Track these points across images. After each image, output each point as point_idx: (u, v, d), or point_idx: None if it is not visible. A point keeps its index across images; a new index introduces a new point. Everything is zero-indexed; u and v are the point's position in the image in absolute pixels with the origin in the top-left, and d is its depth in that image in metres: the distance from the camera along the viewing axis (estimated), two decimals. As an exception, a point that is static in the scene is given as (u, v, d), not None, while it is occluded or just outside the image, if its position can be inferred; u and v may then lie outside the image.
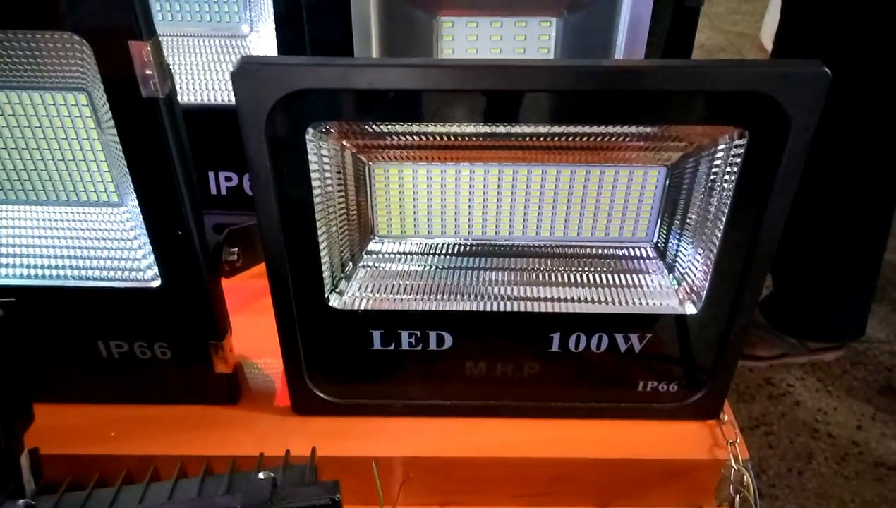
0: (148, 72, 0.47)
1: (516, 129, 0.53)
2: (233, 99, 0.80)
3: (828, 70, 0.47)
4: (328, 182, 0.55)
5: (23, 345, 0.52)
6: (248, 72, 0.47)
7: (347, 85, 0.48)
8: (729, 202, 0.54)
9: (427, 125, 0.52)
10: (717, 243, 0.56)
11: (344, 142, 0.55)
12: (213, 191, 0.85)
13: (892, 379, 1.80)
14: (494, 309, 0.61)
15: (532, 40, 0.77)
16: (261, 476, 0.41)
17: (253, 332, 0.66)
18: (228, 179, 0.85)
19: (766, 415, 1.70)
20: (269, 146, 0.50)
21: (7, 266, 0.59)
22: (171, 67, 0.50)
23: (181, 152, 0.53)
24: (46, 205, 0.60)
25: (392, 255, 0.62)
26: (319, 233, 0.56)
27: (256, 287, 0.63)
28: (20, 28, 0.46)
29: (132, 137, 0.51)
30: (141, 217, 0.56)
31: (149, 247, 0.58)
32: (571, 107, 0.51)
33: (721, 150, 0.53)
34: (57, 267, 0.59)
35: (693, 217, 0.58)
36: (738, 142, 0.52)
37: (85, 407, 0.66)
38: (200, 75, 0.82)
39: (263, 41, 0.81)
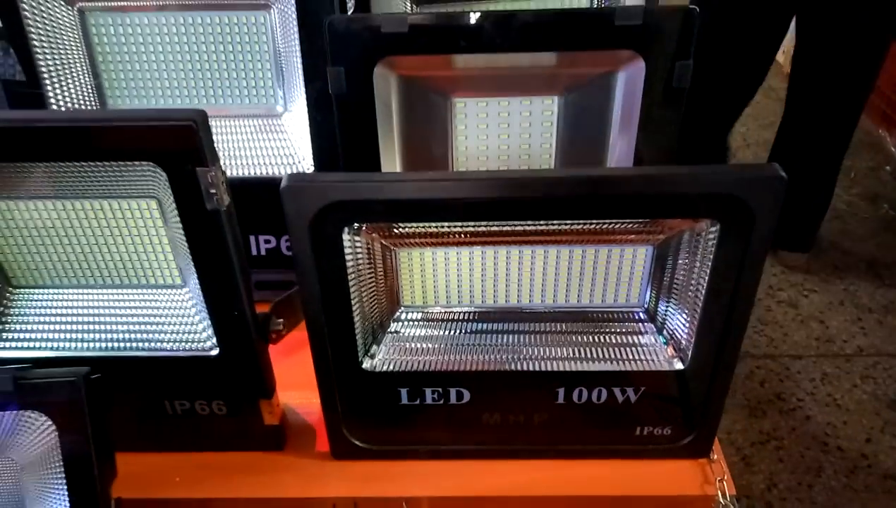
0: (212, 190, 0.57)
1: (522, 226, 0.62)
2: (269, 171, 0.91)
3: (784, 174, 0.56)
4: (360, 267, 0.64)
5: (106, 407, 0.62)
6: (293, 188, 0.57)
7: (374, 196, 0.58)
8: (707, 276, 0.63)
9: (444, 225, 0.61)
10: (700, 309, 0.65)
11: (374, 235, 0.64)
12: (255, 252, 0.95)
13: (901, 392, 1.86)
14: (506, 368, 0.70)
15: (536, 117, 0.86)
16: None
17: (296, 383, 0.76)
18: (267, 242, 0.95)
19: (777, 430, 1.77)
20: (311, 243, 0.60)
21: (89, 340, 0.69)
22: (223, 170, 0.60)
23: (237, 247, 0.63)
24: (121, 288, 0.70)
25: (416, 323, 0.71)
26: (354, 308, 0.65)
27: (299, 343, 0.72)
28: (109, 160, 0.56)
29: (197, 238, 0.61)
30: (202, 297, 0.66)
31: (208, 322, 0.68)
32: (568, 208, 0.60)
33: (699, 236, 0.62)
34: (130, 340, 0.69)
35: (678, 287, 0.67)
36: (712, 230, 0.60)
37: (153, 455, 0.76)
38: (241, 151, 0.92)
39: (296, 120, 0.91)
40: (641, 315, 0.70)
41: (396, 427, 0.74)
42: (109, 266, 0.68)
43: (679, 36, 0.76)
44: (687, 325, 0.67)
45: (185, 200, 0.58)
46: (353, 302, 0.65)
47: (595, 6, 0.94)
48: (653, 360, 0.69)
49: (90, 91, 0.87)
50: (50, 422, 0.55)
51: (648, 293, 0.69)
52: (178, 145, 0.55)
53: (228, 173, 0.93)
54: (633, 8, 0.75)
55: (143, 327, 0.69)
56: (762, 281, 2.20)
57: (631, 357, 0.70)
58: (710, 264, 0.62)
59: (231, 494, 0.73)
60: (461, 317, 0.71)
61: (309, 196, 0.57)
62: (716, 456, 0.75)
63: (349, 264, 0.63)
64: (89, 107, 0.87)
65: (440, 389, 0.70)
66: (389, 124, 0.84)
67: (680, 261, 0.65)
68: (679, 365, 0.69)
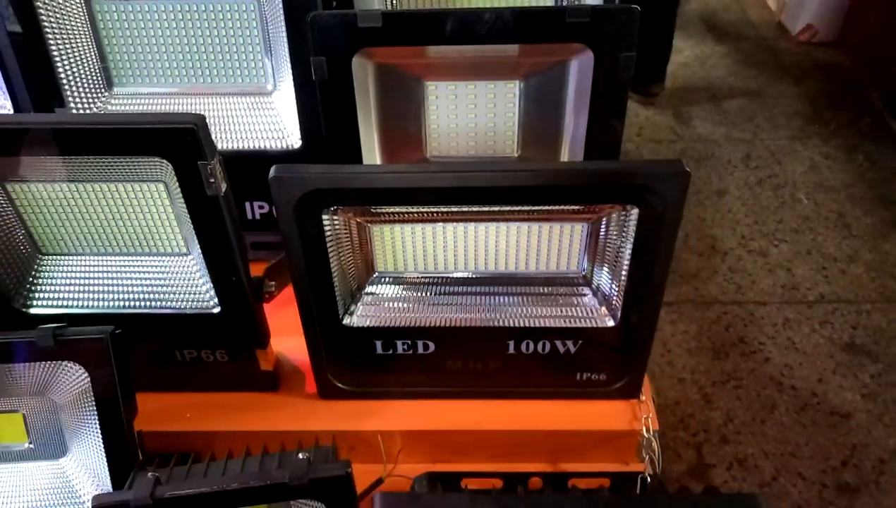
0: (211, 180, 0.68)
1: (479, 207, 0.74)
2: (261, 144, 1.02)
3: (688, 169, 0.67)
4: (339, 241, 0.76)
5: (128, 357, 0.75)
6: (280, 179, 0.68)
7: (349, 186, 0.69)
8: (631, 249, 0.75)
9: (411, 206, 0.73)
10: (626, 275, 0.77)
11: (350, 214, 0.76)
12: (249, 216, 1.07)
13: (855, 336, 2.00)
14: (465, 324, 0.82)
15: (500, 99, 0.96)
16: (300, 455, 0.64)
17: (289, 331, 0.88)
18: (261, 207, 1.06)
19: (737, 371, 1.92)
20: (295, 223, 0.71)
21: (110, 300, 0.81)
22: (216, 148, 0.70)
23: (234, 224, 0.74)
24: (136, 255, 0.82)
25: (388, 286, 0.84)
26: (334, 275, 0.77)
27: (291, 298, 0.84)
28: (127, 155, 0.68)
29: (199, 217, 0.73)
30: (204, 264, 0.78)
31: (210, 285, 0.80)
32: (517, 196, 0.71)
33: (624, 217, 0.73)
34: (145, 299, 0.82)
35: (609, 257, 0.79)
36: (633, 212, 0.72)
37: (168, 395, 0.90)
38: (236, 126, 1.02)
39: (285, 98, 1.01)
40: (579, 279, 0.83)
41: (373, 373, 0.87)
42: (126, 237, 0.80)
43: (623, 31, 0.85)
44: (616, 288, 0.80)
45: (189, 188, 0.70)
46: (332, 270, 0.77)
47: (553, 4, 1.03)
48: (589, 318, 0.82)
49: (98, 74, 0.97)
50: (83, 370, 0.68)
51: (585, 262, 0.81)
52: (182, 144, 0.66)
53: (225, 146, 1.04)
54: (583, 6, 0.84)
55: (155, 288, 0.82)
56: (734, 232, 2.32)
57: (570, 314, 0.82)
58: (632, 239, 0.73)
59: (232, 427, 0.87)
60: (427, 281, 0.84)
61: (293, 185, 0.68)
62: (644, 398, 0.88)
63: (329, 240, 0.74)
64: (99, 90, 0.97)
65: (409, 341, 0.83)
66: (368, 107, 0.94)
67: (609, 237, 0.77)
68: (610, 322, 0.81)
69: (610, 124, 0.92)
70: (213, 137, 1.01)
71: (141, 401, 0.79)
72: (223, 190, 0.69)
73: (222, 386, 0.90)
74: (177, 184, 0.70)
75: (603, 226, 0.77)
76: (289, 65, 0.96)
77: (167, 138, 0.66)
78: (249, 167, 1.03)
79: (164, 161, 0.68)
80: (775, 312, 2.07)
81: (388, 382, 0.88)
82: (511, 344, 0.83)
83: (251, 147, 1.02)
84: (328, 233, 0.74)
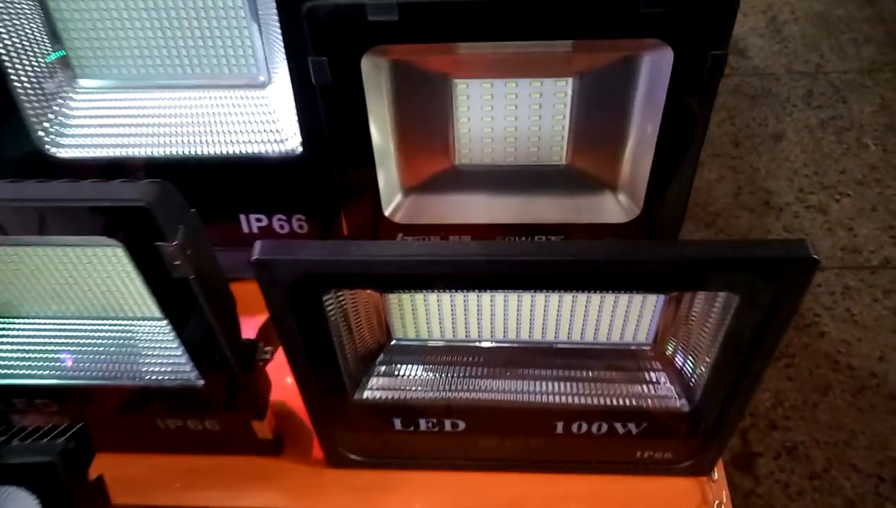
0: (176, 262, 0.51)
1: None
2: (254, 149, 0.84)
3: (815, 256, 0.49)
4: (346, 316, 0.60)
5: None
6: (266, 264, 0.51)
7: (353, 270, 0.52)
8: (723, 337, 0.57)
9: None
10: (711, 361, 0.60)
11: (356, 290, 0.59)
12: (246, 229, 0.90)
13: (922, 308, 1.81)
14: (502, 402, 0.67)
15: (548, 99, 0.76)
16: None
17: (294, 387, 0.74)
18: (259, 220, 0.89)
19: (790, 346, 1.76)
20: (290, 308, 0.55)
21: (73, 370, 0.67)
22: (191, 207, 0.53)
23: (213, 299, 0.58)
24: (101, 319, 0.67)
25: (408, 356, 0.68)
26: (339, 354, 0.62)
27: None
28: (73, 234, 0.51)
29: (167, 299, 0.57)
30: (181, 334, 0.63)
31: (188, 356, 0.65)
32: (571, 283, 0.54)
33: (716, 299, 0.56)
34: (116, 369, 0.67)
35: (690, 336, 0.62)
36: (733, 298, 0.54)
37: (153, 457, 0.77)
38: (225, 127, 0.84)
39: (281, 92, 0.82)
40: (648, 353, 0.66)
41: (392, 445, 0.73)
42: (85, 301, 0.65)
43: (714, 25, 0.64)
44: (696, 371, 0.63)
45: (149, 270, 0.53)
46: (337, 349, 0.61)
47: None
48: (657, 398, 0.66)
49: (54, 66, 0.79)
50: (33, 496, 0.54)
51: (656, 333, 0.64)
52: (133, 224, 0.49)
53: (212, 151, 0.86)
54: (664, -7, 0.63)
55: (126, 357, 0.67)
56: (791, 184, 2.09)
57: (634, 393, 0.66)
58: (726, 327, 0.56)
59: (231, 503, 0.75)
60: (454, 351, 0.68)
61: (283, 270, 0.52)
62: (717, 476, 0.73)
63: (332, 319, 0.58)
64: (60, 86, 0.80)
65: (434, 419, 0.68)
66: (382, 111, 0.75)
67: (693, 316, 0.60)
68: (685, 406, 0.65)
69: (687, 134, 0.73)
70: (198, 140, 0.86)
71: (122, 465, 0.66)
72: (192, 272, 0.52)
73: (216, 449, 0.77)
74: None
75: (685, 303, 0.59)
76: (283, 54, 0.76)
77: (113, 217, 0.49)
78: (243, 175, 0.87)
79: (114, 241, 0.51)
80: (834, 279, 1.89)
81: (409, 454, 0.74)
82: (559, 424, 0.68)
83: (243, 152, 0.84)
84: (331, 314, 0.58)
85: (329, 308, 0.57)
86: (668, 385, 0.66)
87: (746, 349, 0.57)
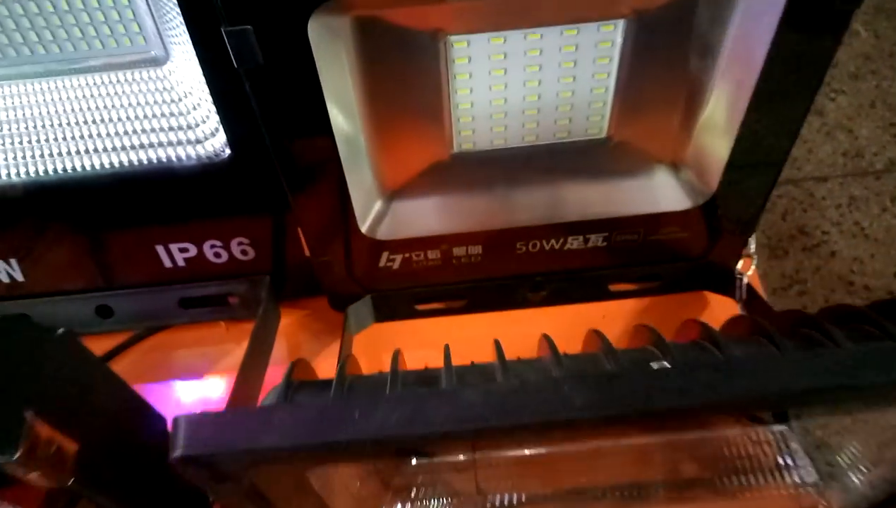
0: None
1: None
2: (162, 154, 0.58)
3: None
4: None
5: None
6: (190, 460, 0.28)
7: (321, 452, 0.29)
8: None
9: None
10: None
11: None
12: (168, 264, 0.65)
13: (935, 212, 1.67)
14: None
15: (586, 52, 0.52)
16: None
17: None
18: (184, 250, 0.64)
19: (800, 271, 1.61)
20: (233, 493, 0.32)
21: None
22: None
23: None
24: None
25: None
26: None
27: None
28: None
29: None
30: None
31: None
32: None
33: None
34: None
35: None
36: None
37: None
38: (117, 125, 0.57)
39: (187, 71, 0.55)
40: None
41: None
42: None
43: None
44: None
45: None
46: None
47: None
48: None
49: None
50: None
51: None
52: None
53: (99, 165, 0.60)
54: None
55: None
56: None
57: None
58: None
59: None
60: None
61: (212, 467, 0.28)
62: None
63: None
64: None
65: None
66: (345, 94, 0.50)
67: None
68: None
69: (798, 88, 0.50)
70: (75, 148, 0.59)
71: None
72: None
73: None
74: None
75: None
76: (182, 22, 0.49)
77: None
78: (153, 191, 0.61)
79: None
80: (838, 189, 1.72)
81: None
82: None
83: (147, 160, 0.58)
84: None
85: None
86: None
87: None
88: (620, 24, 0.50)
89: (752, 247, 0.64)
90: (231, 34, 0.42)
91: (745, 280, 0.63)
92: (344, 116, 0.51)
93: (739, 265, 0.65)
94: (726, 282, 0.66)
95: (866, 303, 0.46)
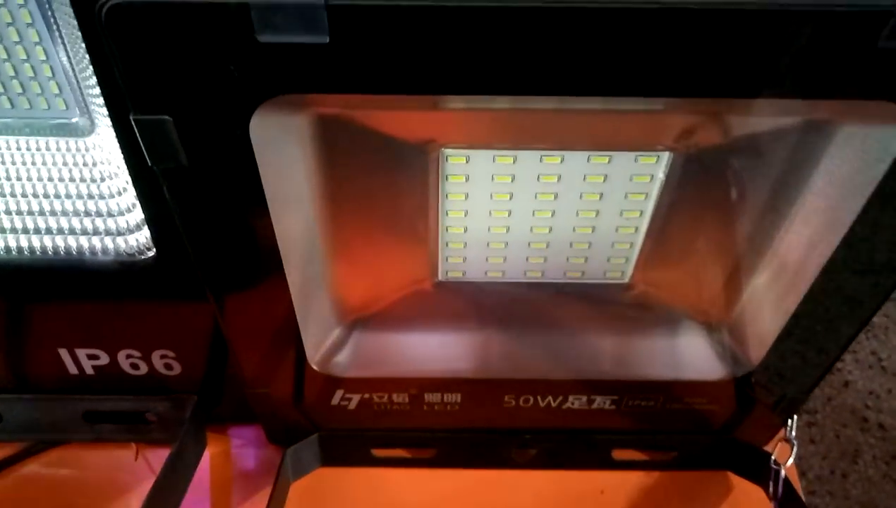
0: None
1: None
2: (75, 245, 0.46)
3: None
4: None
5: None
6: None
7: None
8: None
9: None
10: None
11: None
12: (74, 371, 0.52)
13: (958, 350, 1.56)
14: None
15: (618, 182, 0.40)
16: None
17: None
18: (94, 357, 0.51)
19: (811, 400, 1.48)
20: None
21: None
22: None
23: None
24: None
25: None
26: None
27: None
28: None
29: None
30: None
31: None
32: None
33: None
34: None
35: None
36: None
37: None
38: (35, 203, 0.46)
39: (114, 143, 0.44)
40: None
41: None
42: None
43: None
44: None
45: None
46: None
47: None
48: None
49: None
50: None
51: None
52: None
53: (14, 245, 0.48)
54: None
55: None
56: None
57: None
58: None
59: None
60: None
61: None
62: None
63: None
64: None
65: None
66: (297, 204, 0.38)
67: None
68: None
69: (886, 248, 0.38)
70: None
71: None
72: None
73: None
74: None
75: None
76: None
77: None
78: (61, 284, 0.49)
79: None
80: (856, 313, 1.60)
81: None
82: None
83: (57, 247, 0.46)
84: None
85: None
86: None
87: None
88: (665, 156, 0.38)
89: (794, 430, 0.52)
90: (142, 124, 0.31)
91: (783, 473, 0.51)
92: (295, 229, 0.39)
93: (775, 451, 0.52)
94: (754, 465, 0.54)
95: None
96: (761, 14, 0.28)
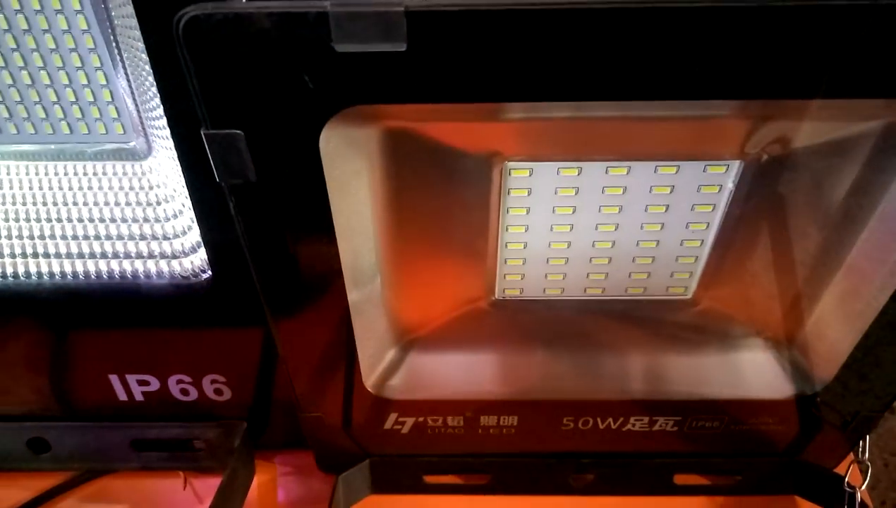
0: None
1: None
2: (130, 269, 0.46)
3: None
4: None
5: None
6: None
7: None
8: None
9: None
10: None
11: None
12: (123, 397, 0.52)
13: None
14: None
15: (683, 194, 0.39)
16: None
17: None
18: (144, 383, 0.51)
19: (855, 426, 1.44)
20: None
21: None
22: None
23: None
24: None
25: None
26: None
27: None
28: None
29: None
30: None
31: None
32: None
33: None
34: None
35: None
36: None
37: None
38: (90, 228, 0.46)
39: (171, 167, 0.44)
40: None
41: None
42: None
43: None
44: None
45: None
46: None
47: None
48: None
49: None
50: None
51: None
52: None
53: (56, 271, 0.48)
54: None
55: None
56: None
57: None
58: None
59: None
60: None
61: None
62: None
63: None
64: None
65: None
66: (361, 220, 0.38)
67: None
68: None
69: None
70: (31, 249, 0.47)
71: None
72: None
73: None
74: None
75: None
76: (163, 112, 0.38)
77: None
78: (113, 310, 0.49)
79: None
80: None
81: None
82: None
83: (112, 271, 0.46)
84: None
85: None
86: None
87: None
88: (735, 165, 0.37)
89: (867, 452, 0.50)
90: (213, 139, 0.31)
91: (859, 497, 0.49)
92: (357, 245, 0.39)
93: (848, 474, 0.50)
94: (824, 489, 0.52)
95: None
96: (838, 9, 0.27)
